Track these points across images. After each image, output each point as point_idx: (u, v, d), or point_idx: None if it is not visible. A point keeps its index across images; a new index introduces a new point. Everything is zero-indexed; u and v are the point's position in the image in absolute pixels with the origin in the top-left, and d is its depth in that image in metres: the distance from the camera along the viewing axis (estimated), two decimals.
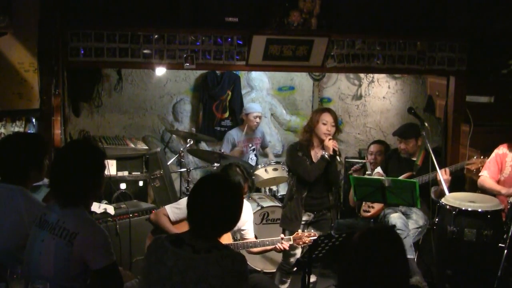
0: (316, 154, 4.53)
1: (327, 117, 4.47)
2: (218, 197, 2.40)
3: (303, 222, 4.55)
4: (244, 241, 4.06)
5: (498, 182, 4.76)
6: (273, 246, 4.00)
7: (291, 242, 4.09)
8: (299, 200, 4.49)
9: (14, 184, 3.00)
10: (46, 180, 3.99)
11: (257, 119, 6.42)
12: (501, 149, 4.81)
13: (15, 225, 2.92)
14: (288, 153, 4.64)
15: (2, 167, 3.05)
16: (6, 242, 2.91)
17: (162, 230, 3.74)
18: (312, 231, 4.17)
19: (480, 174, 4.85)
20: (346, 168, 6.68)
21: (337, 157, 4.44)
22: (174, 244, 2.36)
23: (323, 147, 4.48)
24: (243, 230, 4.14)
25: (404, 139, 5.10)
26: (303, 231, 4.47)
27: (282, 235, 4.06)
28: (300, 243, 4.06)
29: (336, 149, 4.41)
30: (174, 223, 3.84)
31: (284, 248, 3.97)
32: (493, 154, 4.83)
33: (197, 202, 2.41)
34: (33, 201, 3.03)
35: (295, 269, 4.59)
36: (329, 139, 4.42)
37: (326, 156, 4.40)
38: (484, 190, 4.82)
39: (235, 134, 6.47)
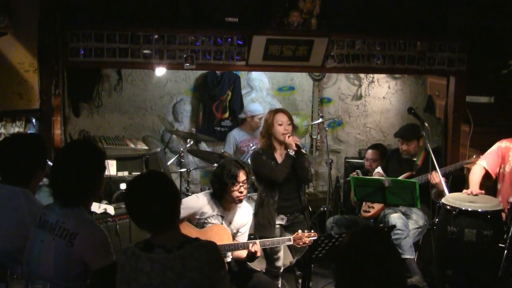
0: (280, 156, 4.51)
1: (281, 118, 4.47)
2: (145, 190, 2.39)
3: (277, 226, 4.51)
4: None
5: (499, 175, 4.71)
6: (246, 251, 3.91)
7: (291, 243, 4.08)
8: (271, 205, 4.46)
9: (15, 185, 2.99)
10: (45, 180, 4.00)
11: (261, 121, 6.41)
12: (504, 143, 4.70)
13: (16, 226, 2.91)
14: (253, 159, 4.57)
15: (7, 169, 3.04)
16: (7, 243, 2.90)
17: None
18: (312, 231, 4.16)
19: (477, 162, 4.76)
20: (346, 168, 6.69)
21: (302, 150, 4.45)
22: (145, 250, 2.37)
23: (285, 147, 4.48)
24: (239, 232, 4.13)
25: (406, 140, 5.10)
26: (280, 235, 4.47)
27: (256, 241, 3.97)
28: (300, 243, 4.04)
29: (299, 143, 4.43)
30: None
31: (252, 250, 3.85)
32: (494, 146, 4.72)
33: (139, 204, 2.41)
34: (34, 203, 3.02)
35: (281, 270, 4.60)
36: (289, 136, 4.42)
37: (291, 153, 4.40)
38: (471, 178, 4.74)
39: (236, 135, 6.46)
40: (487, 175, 4.71)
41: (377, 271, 2.05)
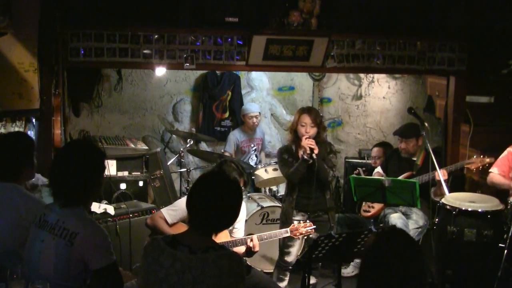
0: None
1: (305, 119, 4.44)
2: (220, 195, 2.40)
3: (296, 222, 4.51)
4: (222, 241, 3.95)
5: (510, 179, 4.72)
6: (245, 246, 3.89)
7: (288, 234, 4.10)
8: (289, 202, 4.50)
9: (7, 182, 3.05)
10: (45, 180, 4.01)
11: (254, 119, 6.39)
12: None
13: (14, 223, 2.95)
14: (277, 156, 4.69)
15: None
16: (7, 242, 2.92)
17: (160, 234, 3.73)
18: (308, 221, 4.17)
19: (489, 171, 4.78)
20: (346, 168, 6.69)
21: (314, 155, 4.34)
22: (171, 245, 2.36)
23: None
24: (235, 228, 4.14)
25: (404, 138, 5.11)
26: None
27: (253, 236, 3.95)
28: (297, 234, 4.06)
29: (313, 147, 4.34)
30: (171, 225, 3.84)
31: (253, 245, 3.83)
32: (505, 152, 4.75)
33: (199, 201, 2.40)
34: (28, 196, 3.08)
35: (290, 267, 4.60)
36: (305, 138, 4.39)
37: (305, 156, 4.37)
38: (494, 187, 4.78)
39: (237, 135, 6.46)
40: None
41: (402, 271, 2.05)
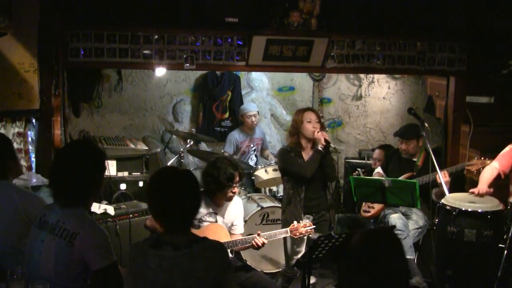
0: (307, 155, 4.50)
1: (310, 116, 4.46)
2: (177, 187, 2.38)
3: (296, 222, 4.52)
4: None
5: (510, 176, 4.69)
6: (250, 244, 3.94)
7: (288, 235, 4.11)
8: (297, 202, 4.46)
9: None
10: (45, 180, 4.02)
11: (252, 118, 6.39)
12: None
13: (12, 218, 2.97)
14: (280, 155, 4.58)
15: None
16: (6, 238, 2.93)
17: None
18: (308, 221, 4.17)
19: (491, 164, 4.69)
20: (346, 168, 6.69)
21: (331, 145, 4.41)
22: (154, 246, 2.36)
23: (313, 145, 4.47)
24: (234, 225, 4.15)
25: (405, 139, 5.10)
26: None
27: (259, 231, 4.01)
28: (297, 234, 4.07)
29: (328, 138, 4.39)
30: None
31: (260, 243, 3.90)
32: (507, 148, 4.68)
33: (160, 198, 2.39)
34: (24, 191, 3.13)
35: (298, 274, 4.58)
36: (318, 132, 4.41)
37: (320, 148, 4.38)
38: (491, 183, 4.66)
39: (237, 135, 6.47)
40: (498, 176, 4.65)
41: (384, 271, 2.05)
